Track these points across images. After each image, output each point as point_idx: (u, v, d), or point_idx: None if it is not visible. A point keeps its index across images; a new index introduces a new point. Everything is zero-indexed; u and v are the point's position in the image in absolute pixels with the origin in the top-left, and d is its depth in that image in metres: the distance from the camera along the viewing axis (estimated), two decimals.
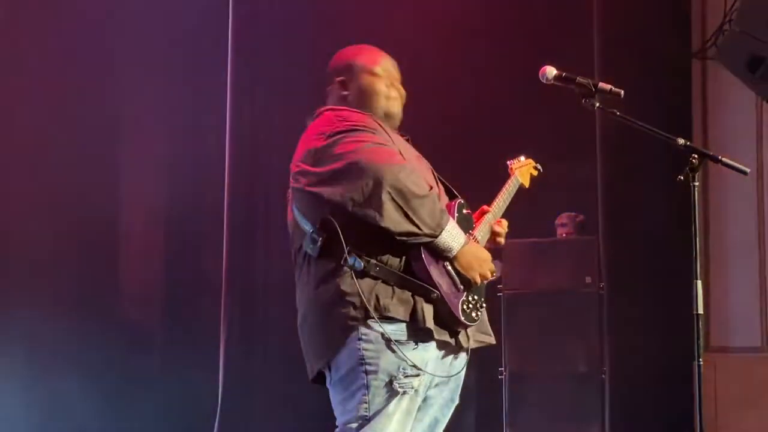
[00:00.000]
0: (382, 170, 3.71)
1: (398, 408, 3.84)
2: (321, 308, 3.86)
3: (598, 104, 4.05)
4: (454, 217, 3.95)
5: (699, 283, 3.95)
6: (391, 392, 3.83)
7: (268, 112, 7.72)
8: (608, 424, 7.40)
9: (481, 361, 7.93)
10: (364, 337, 3.80)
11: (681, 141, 3.98)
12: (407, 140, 4.13)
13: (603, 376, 7.43)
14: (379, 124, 3.99)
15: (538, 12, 7.68)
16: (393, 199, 3.71)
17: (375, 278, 3.79)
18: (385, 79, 4.14)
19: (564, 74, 4.09)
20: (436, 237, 3.79)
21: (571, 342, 7.44)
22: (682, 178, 3.98)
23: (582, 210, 7.75)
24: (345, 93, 4.13)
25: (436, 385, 4.01)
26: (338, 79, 4.15)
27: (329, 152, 3.82)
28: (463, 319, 3.88)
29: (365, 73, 4.13)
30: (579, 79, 4.06)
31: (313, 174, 3.84)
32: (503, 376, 7.47)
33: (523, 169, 4.46)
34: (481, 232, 4.11)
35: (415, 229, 3.75)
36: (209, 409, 7.58)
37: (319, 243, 3.83)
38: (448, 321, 3.87)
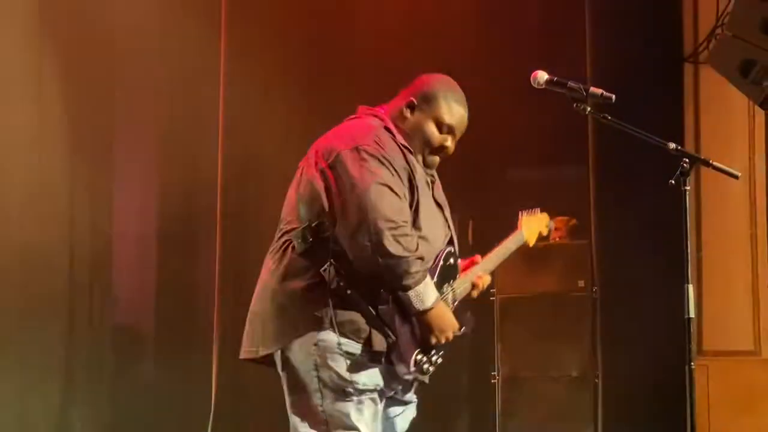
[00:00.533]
0: (376, 220, 3.71)
1: (358, 416, 3.85)
2: (285, 297, 3.86)
3: (589, 109, 4.05)
4: (438, 264, 3.96)
5: (690, 287, 3.95)
6: (344, 396, 3.84)
7: (262, 114, 7.71)
8: (601, 428, 7.40)
9: (474, 366, 7.96)
10: (320, 343, 3.81)
11: (672, 145, 3.98)
12: (432, 183, 4.11)
13: (596, 380, 7.43)
14: (409, 166, 3.96)
15: (530, 16, 7.69)
16: (370, 250, 3.72)
17: (343, 299, 3.80)
18: (447, 135, 4.11)
19: (555, 79, 4.09)
20: (401, 292, 3.81)
21: (564, 346, 7.45)
22: (673, 182, 3.98)
23: (574, 214, 7.74)
24: (407, 116, 4.09)
25: (390, 397, 4.02)
26: (412, 99, 4.10)
27: (349, 165, 3.83)
28: (413, 369, 3.89)
29: (435, 121, 4.09)
30: (570, 83, 4.06)
31: (326, 177, 3.85)
32: (496, 381, 7.47)
33: (532, 224, 4.41)
34: (462, 284, 4.11)
35: (389, 281, 3.78)
36: (202, 414, 7.58)
37: (308, 242, 3.82)
38: (399, 367, 3.89)
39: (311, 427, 3.88)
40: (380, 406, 3.95)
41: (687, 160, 3.97)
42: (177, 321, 7.72)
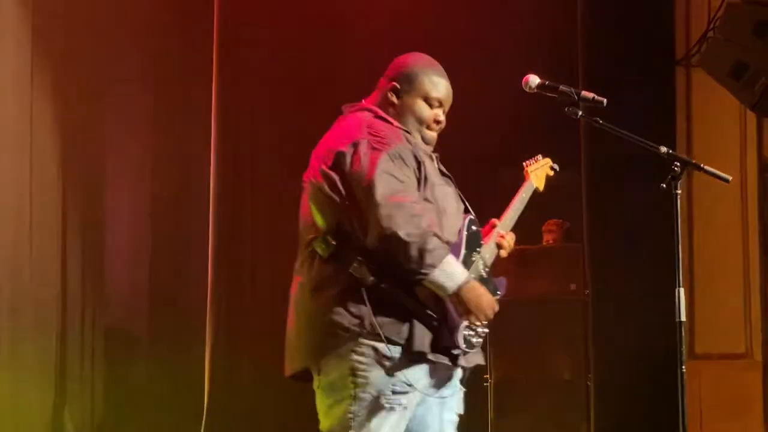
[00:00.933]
0: (383, 208, 3.71)
1: (384, 423, 3.83)
2: (318, 309, 3.84)
3: (580, 113, 4.05)
4: (463, 235, 3.95)
5: (681, 291, 3.96)
6: (378, 407, 3.82)
7: (254, 112, 7.70)
8: (593, 431, 7.41)
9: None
10: (357, 349, 3.79)
11: (663, 149, 3.99)
12: (435, 157, 4.12)
13: (588, 383, 7.44)
14: (411, 145, 3.97)
15: (523, 19, 7.70)
16: (385, 238, 3.71)
17: (379, 294, 3.78)
18: (437, 108, 4.12)
19: (547, 83, 4.09)
20: (426, 275, 3.77)
21: (557, 349, 7.45)
22: (664, 186, 3.98)
23: (567, 217, 7.76)
24: (393, 101, 4.08)
25: (423, 403, 4.00)
26: (393, 83, 4.10)
27: (350, 162, 3.83)
28: (463, 346, 3.88)
29: (422, 96, 4.08)
30: (562, 87, 4.06)
31: (333, 179, 3.85)
32: (488, 384, 7.47)
33: (538, 171, 4.36)
34: (488, 248, 4.08)
35: (410, 266, 3.74)
36: (195, 414, 7.58)
37: (332, 246, 3.83)
38: (448, 345, 3.87)
39: (337, 425, 3.86)
40: (413, 407, 3.91)
41: (678, 163, 3.97)
42: (169, 322, 7.73)
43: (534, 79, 4.10)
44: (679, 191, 3.98)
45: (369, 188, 3.74)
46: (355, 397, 3.81)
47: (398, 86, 4.07)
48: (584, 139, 7.58)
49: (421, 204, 3.84)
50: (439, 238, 3.78)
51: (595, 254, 7.55)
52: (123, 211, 7.87)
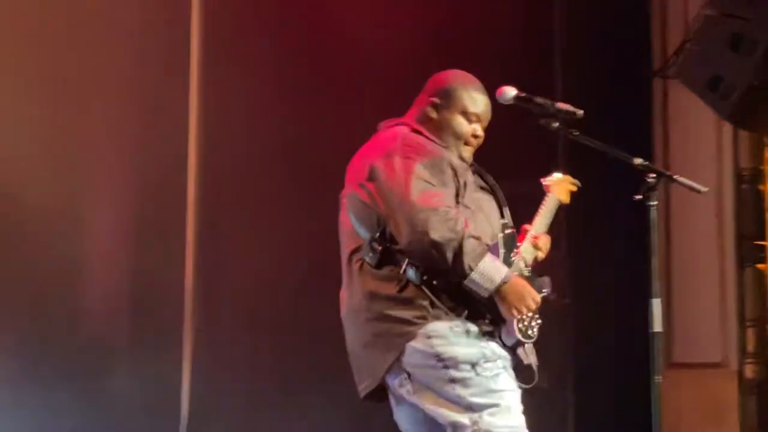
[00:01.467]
0: (427, 215, 3.75)
1: (496, 389, 3.85)
2: (381, 313, 3.87)
3: (556, 124, 4.09)
4: (498, 237, 4.00)
5: (656, 301, 4.00)
6: (479, 379, 3.83)
7: (237, 121, 7.70)
8: None
9: None
10: (433, 333, 3.81)
11: (638, 161, 4.03)
12: (477, 169, 4.14)
13: (567, 392, 7.47)
14: (446, 157, 4.00)
15: (500, 31, 7.73)
16: (421, 240, 3.75)
17: (434, 289, 3.84)
18: (475, 123, 4.14)
19: (523, 94, 4.12)
20: (465, 278, 3.82)
21: (536, 358, 7.47)
22: (640, 197, 4.03)
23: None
24: (432, 116, 4.12)
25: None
26: (432, 99, 4.14)
27: (384, 172, 3.88)
28: (520, 336, 3.91)
29: (461, 112, 4.13)
30: (537, 98, 4.10)
31: (369, 190, 3.90)
32: None
33: (560, 186, 4.42)
34: (526, 248, 4.12)
35: (448, 271, 3.80)
36: (174, 421, 7.56)
37: (378, 252, 3.85)
38: (505, 339, 3.91)
39: (455, 413, 3.83)
40: (510, 370, 3.94)
41: (653, 175, 4.01)
42: (148, 331, 7.70)
43: (509, 91, 4.13)
44: (654, 202, 4.02)
45: (403, 195, 3.79)
46: (453, 380, 3.82)
47: (437, 101, 4.11)
48: (562, 150, 7.62)
49: (456, 208, 3.86)
50: (476, 239, 3.83)
51: (574, 263, 7.58)
52: (101, 219, 7.84)
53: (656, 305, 4.01)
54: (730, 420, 8.01)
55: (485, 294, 3.85)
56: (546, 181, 4.43)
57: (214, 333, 7.59)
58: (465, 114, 4.11)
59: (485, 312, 3.86)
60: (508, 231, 4.03)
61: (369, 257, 3.88)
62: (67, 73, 7.49)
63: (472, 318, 3.84)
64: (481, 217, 3.99)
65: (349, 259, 3.98)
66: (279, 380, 7.59)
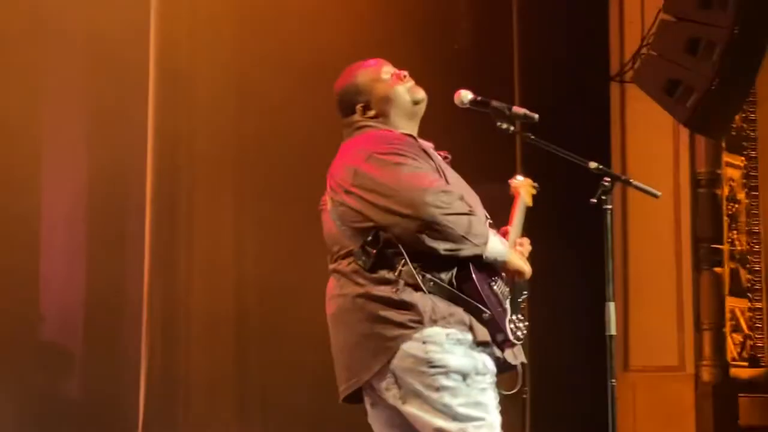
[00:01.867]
0: (425, 194, 3.71)
1: (485, 400, 3.81)
2: (376, 315, 3.79)
3: (512, 128, 4.08)
4: None
5: (611, 305, 4.01)
6: (469, 391, 3.78)
7: (191, 119, 7.65)
8: None
9: None
10: (428, 339, 3.75)
11: (593, 164, 4.02)
12: (447, 159, 4.12)
13: (524, 396, 7.47)
14: (418, 143, 3.98)
15: (458, 35, 7.73)
16: (438, 223, 3.71)
17: (429, 293, 3.78)
18: (395, 77, 4.12)
19: (479, 98, 4.11)
20: (484, 247, 3.82)
21: (500, 369, 7.47)
22: (595, 201, 4.03)
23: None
24: (372, 113, 4.07)
25: None
26: (358, 105, 4.08)
27: (372, 173, 3.80)
28: (512, 338, 3.89)
29: (377, 83, 4.08)
30: (494, 102, 4.08)
31: (357, 195, 3.83)
32: None
33: (525, 188, 4.42)
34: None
35: (463, 244, 3.77)
36: (130, 428, 7.51)
37: (372, 256, 3.82)
38: (499, 337, 3.87)
39: (444, 422, 3.76)
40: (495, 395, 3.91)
41: (608, 179, 4.02)
42: (104, 339, 7.65)
43: (466, 95, 4.11)
44: (609, 206, 4.02)
45: (400, 192, 3.73)
46: (442, 388, 3.76)
47: (360, 102, 4.08)
48: (519, 153, 7.63)
49: (448, 185, 3.86)
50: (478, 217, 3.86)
51: (532, 269, 7.57)
52: (58, 225, 7.79)
53: (611, 309, 4.01)
54: (686, 423, 8.05)
55: (503, 259, 3.90)
56: (514, 182, 4.41)
57: (171, 339, 7.56)
58: (387, 86, 4.08)
59: (482, 320, 3.84)
60: (493, 232, 4.02)
61: (362, 261, 3.83)
62: (18, 76, 7.45)
63: (468, 326, 3.82)
64: (473, 202, 3.98)
65: (340, 262, 3.94)
66: (238, 386, 7.56)
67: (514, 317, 3.92)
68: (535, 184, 4.45)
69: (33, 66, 7.47)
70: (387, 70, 4.12)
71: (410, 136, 4.02)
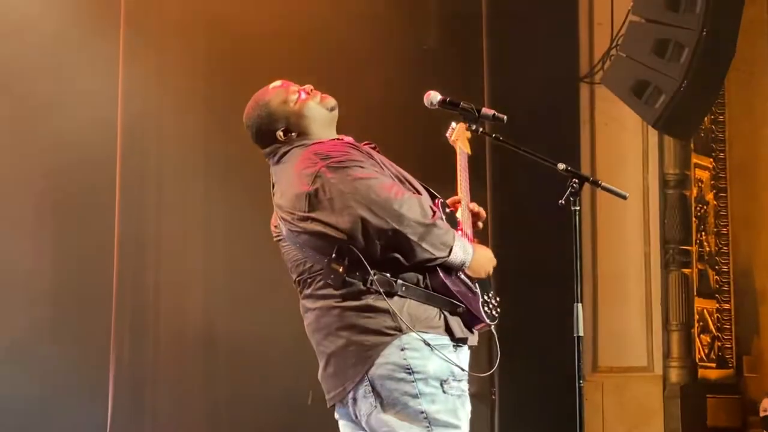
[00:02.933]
0: (385, 208, 3.70)
1: (459, 411, 3.80)
2: (352, 326, 3.78)
3: (481, 129, 4.08)
4: (440, 216, 3.91)
5: (579, 306, 4.00)
6: (447, 397, 3.77)
7: (160, 120, 7.62)
8: None
9: None
10: (407, 345, 3.74)
11: (561, 166, 4.02)
12: (376, 149, 4.10)
13: (493, 396, 7.48)
14: (355, 146, 3.95)
15: (427, 36, 7.73)
16: (402, 234, 3.70)
17: (402, 297, 3.78)
18: (303, 93, 4.11)
19: (448, 99, 4.09)
20: (448, 258, 3.80)
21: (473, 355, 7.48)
22: (563, 202, 4.03)
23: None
24: (293, 135, 4.03)
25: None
26: (278, 132, 4.02)
27: (323, 194, 3.76)
28: (488, 321, 3.90)
29: (288, 105, 4.03)
30: (463, 104, 4.07)
31: (315, 219, 3.78)
32: None
33: (462, 137, 4.36)
34: (466, 225, 4.07)
35: (427, 255, 3.76)
36: (98, 424, 7.49)
37: (340, 272, 3.79)
38: (472, 326, 3.88)
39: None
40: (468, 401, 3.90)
41: (576, 180, 4.01)
42: (73, 336, 7.61)
43: (435, 96, 4.10)
44: (577, 207, 4.01)
45: (355, 203, 3.71)
46: (420, 394, 3.75)
47: (278, 128, 4.06)
48: (488, 155, 7.63)
49: (407, 191, 3.83)
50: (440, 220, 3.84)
51: (501, 269, 7.58)
52: (25, 221, 7.75)
53: (579, 310, 4.01)
54: (654, 423, 8.08)
55: (464, 268, 3.85)
56: (450, 134, 4.35)
57: (139, 343, 7.54)
58: (291, 102, 4.07)
59: (457, 313, 3.84)
60: (447, 210, 4.00)
61: (331, 279, 3.82)
62: None
63: (444, 328, 3.82)
64: (424, 197, 3.97)
65: (309, 285, 3.92)
66: (206, 383, 7.54)
67: (485, 297, 3.92)
68: (471, 127, 4.34)
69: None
70: (293, 89, 4.10)
71: (338, 139, 4.02)
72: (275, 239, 4.04)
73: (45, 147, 7.60)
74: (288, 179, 3.92)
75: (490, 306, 3.93)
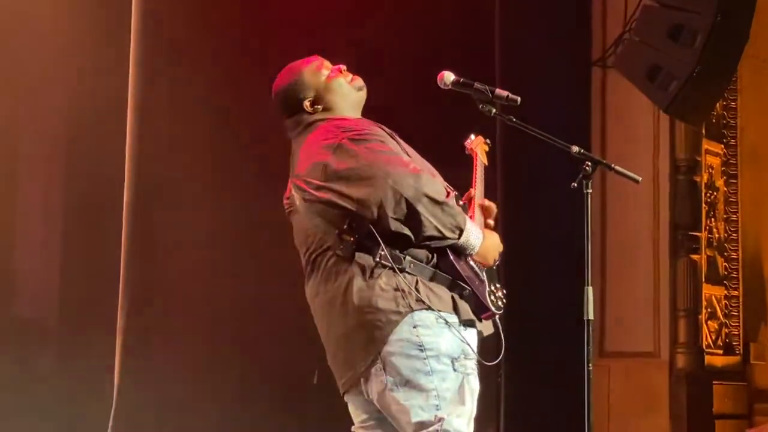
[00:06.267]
0: (401, 182, 3.71)
1: (467, 390, 3.81)
2: (362, 304, 3.78)
3: (495, 111, 4.07)
4: None
5: (590, 289, 4.00)
6: (456, 376, 3.79)
7: (172, 120, 7.61)
8: (503, 427, 7.45)
9: None
10: (419, 323, 3.75)
11: (575, 148, 4.02)
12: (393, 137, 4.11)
13: (499, 379, 7.48)
14: (379, 126, 3.97)
15: (440, 17, 7.70)
16: (415, 210, 3.71)
17: (411, 275, 3.78)
18: (335, 71, 4.11)
19: (462, 80, 4.10)
20: (458, 240, 3.81)
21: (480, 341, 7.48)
22: (576, 185, 4.02)
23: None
24: (320, 106, 4.06)
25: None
26: (306, 101, 4.06)
27: (344, 165, 3.78)
28: (493, 309, 3.90)
29: (320, 78, 4.08)
30: (476, 84, 4.07)
31: (330, 188, 3.80)
32: None
33: (480, 148, 4.37)
34: (477, 217, 4.08)
35: (438, 234, 3.77)
36: (104, 406, 7.49)
37: (351, 243, 3.80)
38: (478, 314, 3.88)
39: (424, 411, 3.77)
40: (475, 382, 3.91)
41: (589, 163, 4.01)
42: (80, 317, 7.61)
43: (449, 76, 4.11)
44: (589, 190, 4.02)
45: (372, 175, 3.72)
46: (432, 372, 3.76)
47: (306, 98, 4.07)
48: (499, 136, 7.61)
49: (423, 171, 3.85)
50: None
51: (509, 252, 7.57)
52: (34, 201, 7.75)
53: (590, 293, 4.01)
54: (660, 409, 8.08)
55: (473, 252, 3.87)
56: (469, 143, 4.39)
57: (146, 316, 7.54)
58: (324, 75, 4.09)
59: (463, 296, 3.84)
60: (461, 202, 4.00)
61: (341, 250, 3.82)
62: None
63: (452, 307, 3.81)
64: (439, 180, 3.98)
65: (318, 258, 3.91)
66: (210, 372, 7.53)
67: (492, 288, 3.92)
68: (488, 141, 4.43)
69: (8, 75, 7.46)
70: (327, 64, 4.15)
71: (362, 118, 4.03)
72: (287, 211, 4.04)
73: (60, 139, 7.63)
74: (308, 150, 3.94)
75: (496, 296, 3.94)
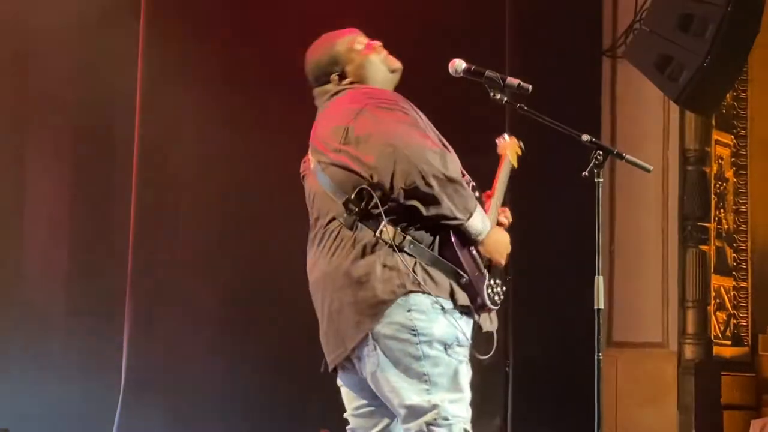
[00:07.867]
0: (418, 154, 3.68)
1: (460, 377, 3.80)
2: (360, 280, 3.75)
3: (506, 99, 4.06)
4: None
5: (600, 279, 3.99)
6: (449, 362, 3.77)
7: (179, 109, 7.60)
8: (511, 416, 7.46)
9: None
10: (414, 307, 3.73)
11: (586, 137, 4.01)
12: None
13: (507, 368, 7.48)
14: (407, 101, 3.94)
15: (451, 6, 7.68)
16: (428, 184, 3.68)
17: (410, 255, 3.75)
18: (369, 47, 4.09)
19: (473, 67, 4.09)
20: (466, 222, 3.78)
21: (475, 333, 7.47)
22: (587, 174, 4.01)
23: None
24: (347, 81, 4.04)
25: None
26: (334, 75, 4.05)
27: (364, 130, 3.76)
28: (489, 303, 3.86)
29: (352, 53, 4.06)
30: (488, 72, 4.07)
31: (347, 152, 3.79)
32: None
33: (512, 149, 4.33)
34: (491, 216, 4.06)
35: (447, 213, 3.74)
36: (111, 396, 7.51)
37: (354, 213, 3.77)
38: (478, 303, 3.85)
39: (415, 395, 3.76)
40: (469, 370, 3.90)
41: (600, 152, 4.00)
42: (88, 301, 7.63)
43: (460, 64, 4.10)
44: (600, 179, 4.01)
45: (389, 143, 3.70)
46: (424, 356, 3.75)
47: (335, 72, 4.05)
48: (509, 125, 7.59)
49: (442, 147, 3.83)
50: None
51: (517, 241, 7.56)
52: (42, 185, 7.76)
53: (600, 282, 4.00)
54: (667, 400, 8.07)
55: (479, 238, 3.83)
56: (501, 141, 4.36)
57: (154, 302, 7.55)
58: (356, 51, 4.07)
59: (460, 284, 3.81)
60: (476, 194, 3.98)
61: (344, 218, 3.79)
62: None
63: (449, 293, 3.79)
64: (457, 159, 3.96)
65: (324, 226, 3.89)
66: (216, 355, 7.54)
67: (491, 282, 3.88)
68: (521, 144, 4.40)
69: (16, 67, 7.47)
70: (361, 41, 4.12)
71: (388, 90, 4.01)
72: (301, 176, 4.02)
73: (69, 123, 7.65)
74: (332, 113, 3.93)
75: (494, 290, 3.89)
